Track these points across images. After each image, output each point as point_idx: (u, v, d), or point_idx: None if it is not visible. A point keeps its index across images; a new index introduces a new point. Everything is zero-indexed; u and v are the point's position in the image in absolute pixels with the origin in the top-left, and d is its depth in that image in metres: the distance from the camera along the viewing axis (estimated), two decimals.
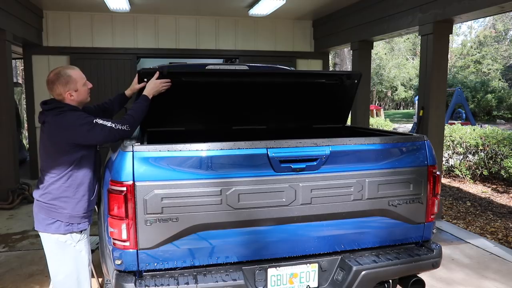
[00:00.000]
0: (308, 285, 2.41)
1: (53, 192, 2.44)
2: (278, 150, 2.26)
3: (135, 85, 2.96)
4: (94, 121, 2.36)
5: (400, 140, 2.57)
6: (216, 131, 3.40)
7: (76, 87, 2.47)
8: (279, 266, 2.36)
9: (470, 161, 8.62)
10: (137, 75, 2.90)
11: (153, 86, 2.71)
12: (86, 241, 2.57)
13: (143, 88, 2.77)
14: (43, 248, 2.55)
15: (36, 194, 2.49)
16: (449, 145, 8.73)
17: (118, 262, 2.15)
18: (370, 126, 3.38)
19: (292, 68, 4.54)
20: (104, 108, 2.96)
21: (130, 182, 2.07)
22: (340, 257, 2.46)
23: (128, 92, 3.03)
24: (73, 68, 2.52)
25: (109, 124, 2.37)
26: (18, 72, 21.57)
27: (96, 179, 2.60)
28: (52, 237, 2.46)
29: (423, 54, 5.60)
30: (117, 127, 2.38)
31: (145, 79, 2.79)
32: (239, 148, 2.21)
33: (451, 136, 8.73)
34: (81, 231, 2.52)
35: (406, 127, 20.85)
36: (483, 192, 7.86)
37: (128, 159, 2.08)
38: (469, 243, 4.79)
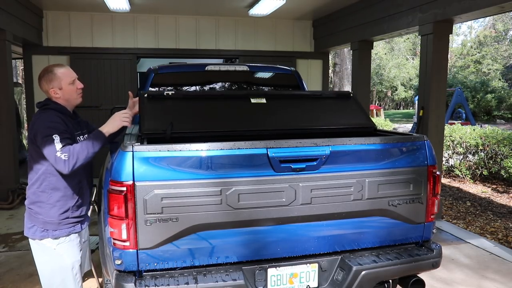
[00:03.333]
0: (308, 285, 2.41)
1: (30, 196, 2.43)
2: (278, 150, 2.26)
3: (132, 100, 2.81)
4: (53, 135, 2.26)
5: (400, 140, 2.56)
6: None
7: (60, 85, 2.43)
8: (279, 266, 2.36)
9: (470, 161, 8.62)
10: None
11: (113, 121, 2.47)
12: (68, 245, 2.49)
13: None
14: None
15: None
16: (449, 145, 8.73)
17: (118, 262, 2.15)
18: None
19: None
20: None
21: (130, 182, 2.07)
22: (340, 257, 2.46)
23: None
24: (62, 66, 2.48)
25: (59, 146, 2.24)
26: (18, 72, 21.57)
27: (79, 186, 2.51)
28: (33, 241, 2.46)
29: (423, 54, 5.59)
30: (60, 155, 2.22)
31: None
32: (239, 148, 2.21)
33: (451, 136, 8.73)
34: (57, 238, 2.44)
35: (406, 127, 20.84)
36: (483, 192, 7.86)
37: (128, 159, 2.08)
38: (469, 243, 4.79)
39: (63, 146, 2.25)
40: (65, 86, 2.45)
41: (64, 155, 2.23)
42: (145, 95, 2.77)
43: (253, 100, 2.96)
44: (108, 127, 2.45)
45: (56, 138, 2.26)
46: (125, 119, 2.49)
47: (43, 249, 2.46)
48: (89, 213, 2.72)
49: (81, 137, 2.52)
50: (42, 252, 2.47)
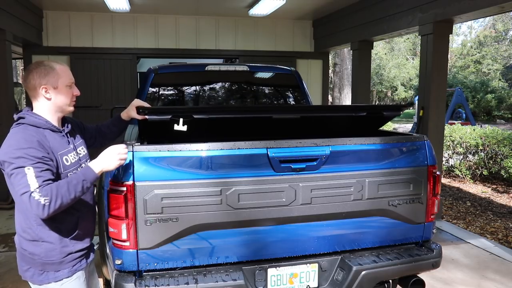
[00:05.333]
0: (308, 285, 2.41)
1: (20, 233, 1.98)
2: (278, 150, 2.26)
3: (131, 111, 2.46)
4: (26, 167, 1.75)
5: (400, 140, 2.56)
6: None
7: (57, 83, 1.97)
8: (279, 266, 2.36)
9: (470, 161, 8.62)
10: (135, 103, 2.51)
11: (109, 158, 1.93)
12: (73, 284, 2.04)
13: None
14: None
15: None
16: (449, 145, 8.73)
17: (118, 262, 2.15)
18: None
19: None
20: (102, 132, 2.48)
21: (130, 182, 2.07)
22: (340, 257, 2.46)
23: (124, 115, 2.51)
24: (62, 64, 2.05)
25: (34, 185, 1.73)
26: (18, 72, 21.59)
27: (78, 213, 2.05)
28: (32, 284, 2.03)
29: (423, 54, 5.60)
30: (38, 197, 1.72)
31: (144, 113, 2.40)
32: (239, 148, 2.21)
33: (451, 136, 8.73)
34: (60, 279, 1.99)
35: (406, 127, 20.83)
36: (483, 192, 7.86)
37: (128, 159, 2.08)
38: (469, 243, 4.79)
39: (41, 186, 1.75)
40: (62, 86, 1.99)
41: (45, 199, 1.73)
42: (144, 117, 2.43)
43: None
44: (102, 165, 1.92)
45: (30, 171, 1.75)
46: (123, 157, 1.97)
47: None
48: (94, 242, 2.33)
49: (70, 154, 2.05)
50: None
